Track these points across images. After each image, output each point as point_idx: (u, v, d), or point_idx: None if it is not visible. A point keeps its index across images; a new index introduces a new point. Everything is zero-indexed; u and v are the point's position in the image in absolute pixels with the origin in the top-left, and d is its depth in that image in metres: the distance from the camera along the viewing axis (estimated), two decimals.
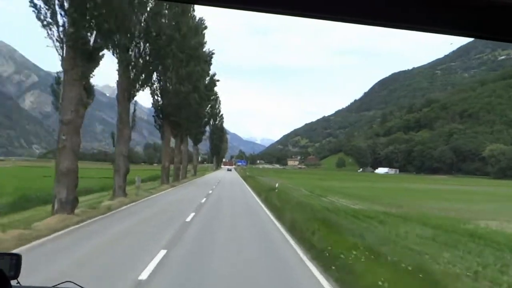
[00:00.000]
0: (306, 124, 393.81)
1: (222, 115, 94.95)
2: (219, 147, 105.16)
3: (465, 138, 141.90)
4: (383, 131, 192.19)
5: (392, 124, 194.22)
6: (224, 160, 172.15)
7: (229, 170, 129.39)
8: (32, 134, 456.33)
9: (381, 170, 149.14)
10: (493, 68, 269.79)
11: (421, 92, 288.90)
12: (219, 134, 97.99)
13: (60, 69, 15.51)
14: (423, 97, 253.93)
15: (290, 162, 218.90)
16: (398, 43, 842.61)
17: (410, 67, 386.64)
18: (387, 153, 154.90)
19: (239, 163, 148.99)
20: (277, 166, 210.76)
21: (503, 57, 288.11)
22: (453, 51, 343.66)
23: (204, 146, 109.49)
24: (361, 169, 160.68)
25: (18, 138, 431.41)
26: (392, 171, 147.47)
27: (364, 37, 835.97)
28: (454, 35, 0.96)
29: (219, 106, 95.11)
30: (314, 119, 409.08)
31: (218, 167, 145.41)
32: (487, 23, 0.88)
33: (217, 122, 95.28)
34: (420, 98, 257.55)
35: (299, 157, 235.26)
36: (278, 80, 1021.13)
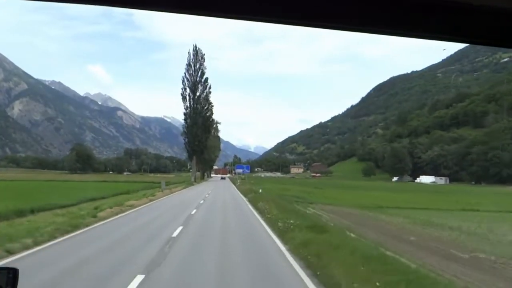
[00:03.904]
0: (301, 131, 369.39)
1: (207, 79, 46.21)
2: (203, 141, 52.35)
3: None
4: (407, 131, 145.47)
5: (418, 123, 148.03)
6: (215, 167, 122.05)
7: (222, 178, 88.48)
8: (18, 142, 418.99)
9: (426, 179, 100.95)
10: (496, 70, 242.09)
11: (425, 95, 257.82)
12: (203, 116, 47.65)
13: None
14: (426, 100, 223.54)
15: (293, 170, 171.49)
16: (392, 48, 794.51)
17: (408, 71, 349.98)
18: (431, 157, 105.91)
19: (239, 169, 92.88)
20: (278, 174, 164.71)
21: (505, 59, 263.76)
22: (451, 55, 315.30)
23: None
24: (396, 178, 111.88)
25: (3, 146, 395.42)
26: (441, 181, 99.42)
27: (356, 43, 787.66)
28: (447, 40, 0.88)
29: (201, 66, 46.25)
30: (309, 126, 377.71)
31: (206, 176, 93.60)
32: (479, 29, 0.81)
33: (199, 94, 46.50)
34: (424, 100, 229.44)
35: (302, 164, 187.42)
36: (271, 88, 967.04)
